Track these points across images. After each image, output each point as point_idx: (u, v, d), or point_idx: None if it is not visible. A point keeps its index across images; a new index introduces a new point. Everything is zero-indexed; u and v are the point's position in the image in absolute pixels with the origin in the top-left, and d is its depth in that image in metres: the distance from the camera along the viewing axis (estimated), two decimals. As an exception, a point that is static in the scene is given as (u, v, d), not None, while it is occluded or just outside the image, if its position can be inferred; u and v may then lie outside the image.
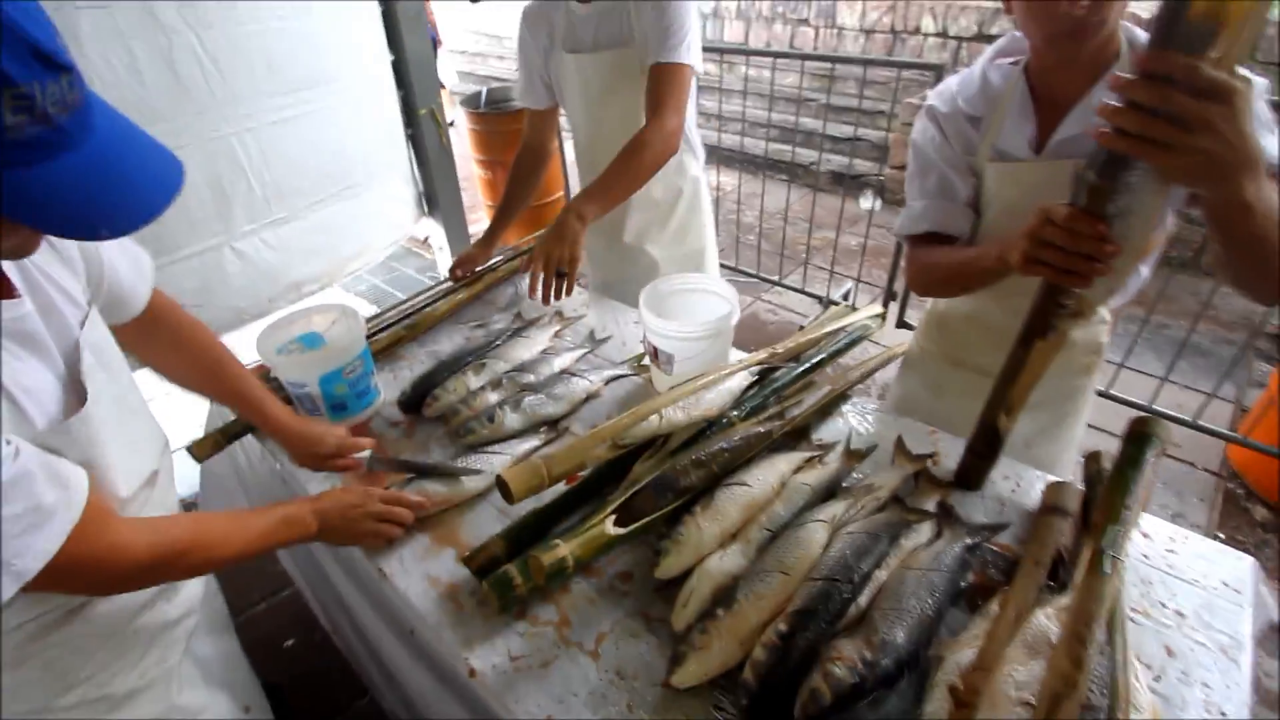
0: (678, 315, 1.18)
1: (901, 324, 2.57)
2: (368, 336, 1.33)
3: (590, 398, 1.16)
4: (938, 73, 1.98)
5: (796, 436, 1.05)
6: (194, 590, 0.87)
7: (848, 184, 4.03)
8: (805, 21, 4.94)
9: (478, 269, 1.51)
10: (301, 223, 2.30)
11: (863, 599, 0.72)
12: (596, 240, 1.59)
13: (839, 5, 4.73)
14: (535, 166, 1.52)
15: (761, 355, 1.11)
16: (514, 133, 3.23)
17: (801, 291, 2.92)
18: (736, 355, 1.21)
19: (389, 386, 1.24)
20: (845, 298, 2.83)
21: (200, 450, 1.05)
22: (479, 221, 3.84)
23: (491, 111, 3.30)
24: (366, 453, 1.02)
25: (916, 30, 4.41)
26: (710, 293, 1.16)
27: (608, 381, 1.19)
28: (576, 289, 1.51)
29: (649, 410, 0.92)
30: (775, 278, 3.02)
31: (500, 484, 0.80)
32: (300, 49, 2.15)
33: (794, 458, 0.94)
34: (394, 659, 0.92)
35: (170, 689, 0.80)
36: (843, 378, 1.16)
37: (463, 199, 3.31)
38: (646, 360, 1.22)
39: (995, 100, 0.90)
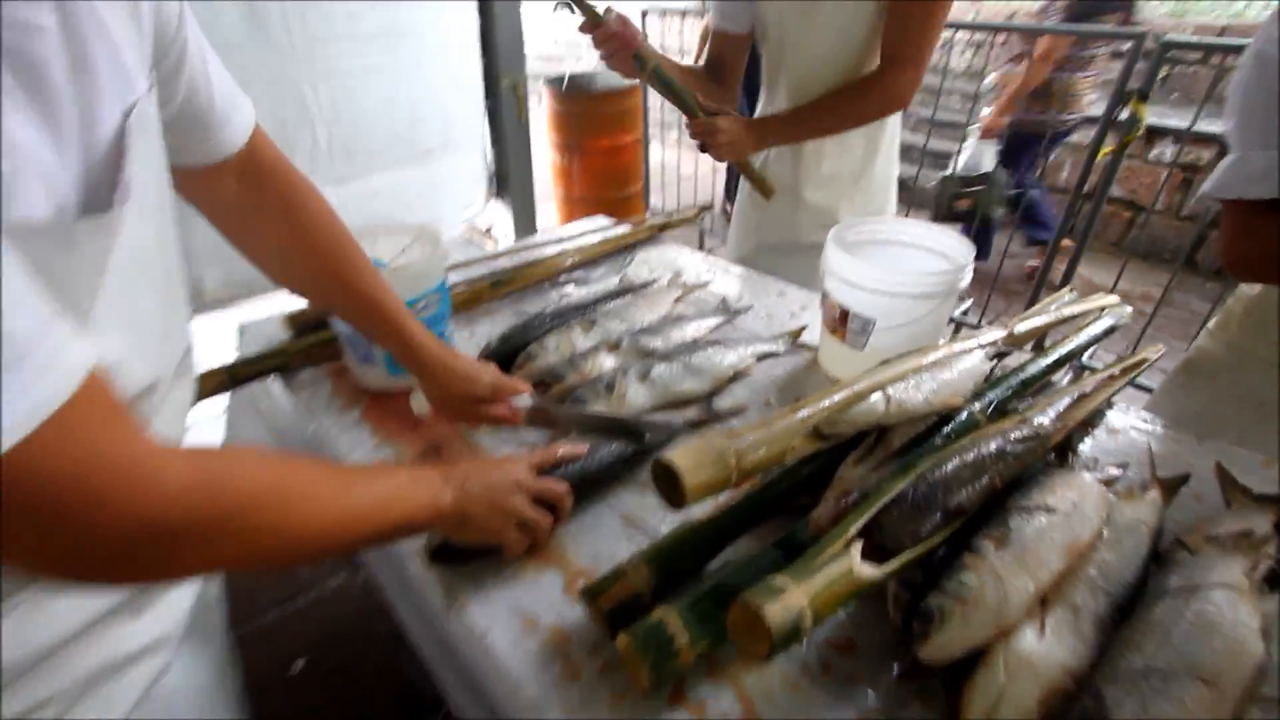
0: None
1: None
2: None
3: (738, 376, 0.84)
4: (1138, 42, 1.63)
5: (1059, 453, 0.71)
6: (180, 601, 0.57)
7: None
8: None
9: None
10: (364, 183, 2.07)
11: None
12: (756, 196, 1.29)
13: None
14: (717, 78, 1.19)
15: (998, 333, 0.77)
16: (598, 115, 3.00)
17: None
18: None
19: (465, 344, 0.95)
20: (965, 314, 2.46)
21: (201, 386, 0.76)
22: (548, 214, 3.61)
23: (575, 92, 3.08)
24: (525, 398, 0.72)
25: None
26: (918, 247, 0.84)
27: (760, 358, 0.87)
28: (700, 256, 1.22)
29: (872, 388, 0.60)
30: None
31: (660, 475, 0.49)
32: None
33: (1092, 479, 0.60)
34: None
35: None
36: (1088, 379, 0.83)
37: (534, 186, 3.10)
38: (814, 334, 0.90)
39: None
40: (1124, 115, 1.66)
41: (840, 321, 0.78)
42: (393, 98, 2.07)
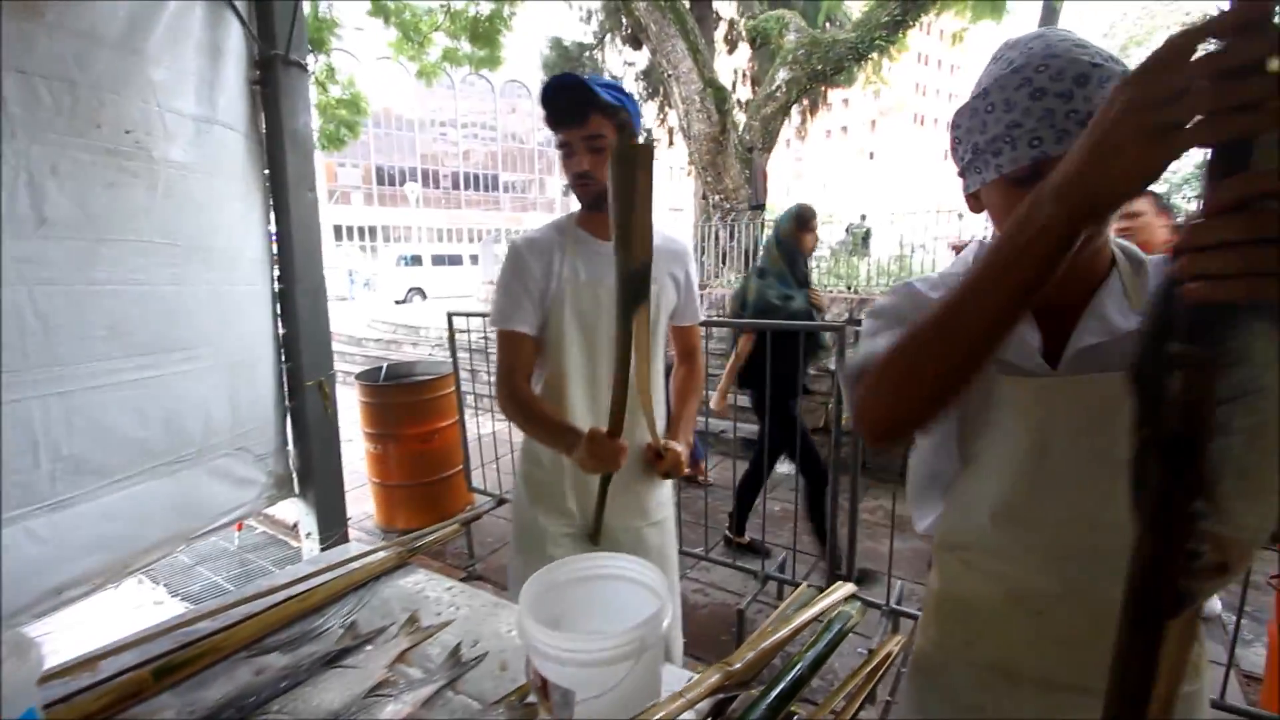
0: (584, 618, 0.79)
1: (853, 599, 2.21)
2: (92, 685, 0.84)
3: (435, 781, 0.68)
4: (839, 334, 2.03)
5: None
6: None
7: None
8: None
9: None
10: (92, 505, 1.77)
11: None
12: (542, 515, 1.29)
13: (728, 297, 5.37)
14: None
15: (712, 678, 0.72)
16: (410, 404, 3.02)
17: (732, 566, 2.56)
18: (673, 676, 0.82)
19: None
20: (781, 569, 2.48)
21: None
22: (362, 501, 3.36)
23: (389, 384, 3.11)
24: None
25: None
26: (627, 579, 0.81)
27: (470, 742, 0.73)
28: (447, 586, 1.11)
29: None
30: (700, 550, 2.66)
31: None
32: (156, 315, 1.92)
33: None
34: None
35: None
36: (829, 699, 0.79)
37: (343, 477, 2.92)
38: (533, 697, 0.78)
39: None
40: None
41: (543, 691, 0.69)
42: (146, 410, 1.90)
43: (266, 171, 2.49)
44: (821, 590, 1.07)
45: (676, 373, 1.44)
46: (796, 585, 2.40)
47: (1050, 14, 8.45)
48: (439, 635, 0.96)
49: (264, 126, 2.46)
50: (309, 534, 2.84)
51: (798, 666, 0.78)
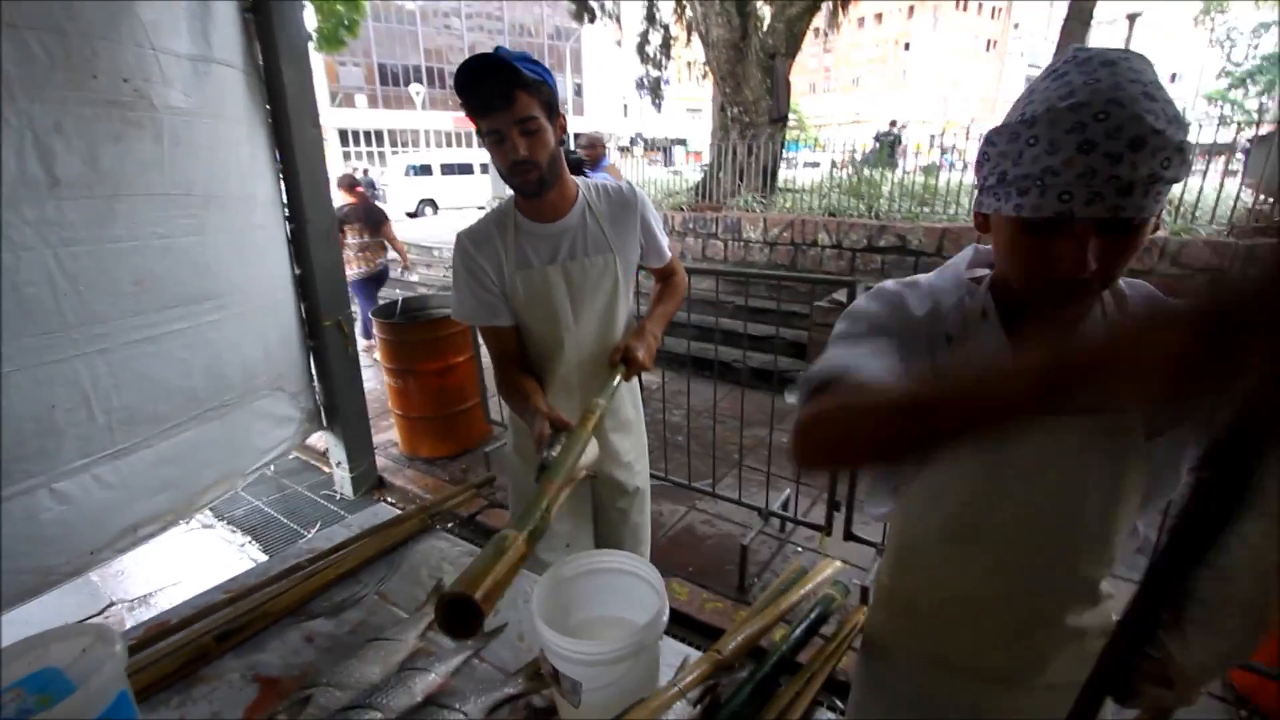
0: (590, 607, 0.89)
1: (850, 537, 2.34)
2: (149, 641, 0.97)
3: (462, 748, 0.80)
4: (850, 288, 2.02)
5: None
6: None
7: (772, 381, 4.08)
8: (714, 235, 5.42)
9: None
10: (150, 451, 1.92)
11: None
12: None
13: (743, 220, 5.24)
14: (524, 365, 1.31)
15: (703, 667, 0.81)
16: (428, 341, 3.09)
17: (737, 502, 2.70)
18: (672, 650, 0.92)
19: (164, 741, 0.84)
20: (784, 506, 2.61)
21: None
22: (386, 430, 3.54)
23: (406, 321, 3.18)
24: None
25: (814, 243, 4.88)
26: (627, 573, 0.89)
27: (490, 710, 0.85)
28: (479, 551, 1.21)
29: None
30: (708, 485, 2.80)
31: None
32: (181, 266, 1.97)
33: None
34: None
35: None
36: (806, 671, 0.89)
37: (368, 409, 3.06)
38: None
39: (967, 319, 0.72)
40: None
41: (555, 679, 0.79)
42: (187, 360, 2.00)
43: (268, 107, 2.43)
44: (820, 529, 1.16)
45: (655, 286, 1.47)
46: (797, 522, 2.55)
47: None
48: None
49: (261, 59, 2.37)
50: (339, 463, 3.04)
51: (779, 653, 0.87)
